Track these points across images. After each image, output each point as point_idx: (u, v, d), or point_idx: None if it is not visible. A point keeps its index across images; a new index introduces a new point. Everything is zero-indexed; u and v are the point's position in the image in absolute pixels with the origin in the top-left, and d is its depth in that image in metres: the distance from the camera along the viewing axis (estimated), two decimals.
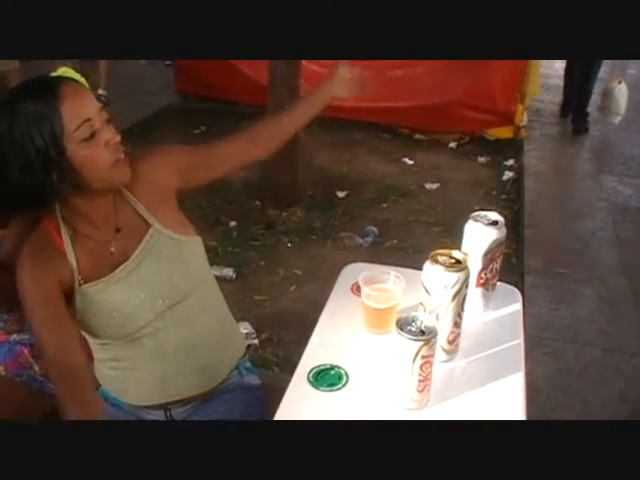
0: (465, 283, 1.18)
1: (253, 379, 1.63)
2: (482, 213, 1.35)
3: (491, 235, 1.32)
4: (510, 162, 4.79)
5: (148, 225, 1.45)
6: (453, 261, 1.19)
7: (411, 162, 4.82)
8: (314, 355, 1.26)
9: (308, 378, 1.20)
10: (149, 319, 1.45)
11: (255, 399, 1.59)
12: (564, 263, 3.57)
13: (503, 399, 1.19)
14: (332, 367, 1.23)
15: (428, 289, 1.19)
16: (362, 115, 5.12)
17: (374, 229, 3.80)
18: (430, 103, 5.01)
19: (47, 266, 1.36)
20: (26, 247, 1.36)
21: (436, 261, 1.18)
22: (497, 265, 1.37)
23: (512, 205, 4.19)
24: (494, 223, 1.33)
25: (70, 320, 1.39)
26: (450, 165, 4.78)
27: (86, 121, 1.24)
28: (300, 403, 1.16)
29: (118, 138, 1.31)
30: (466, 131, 5.10)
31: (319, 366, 1.23)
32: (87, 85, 1.34)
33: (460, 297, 1.19)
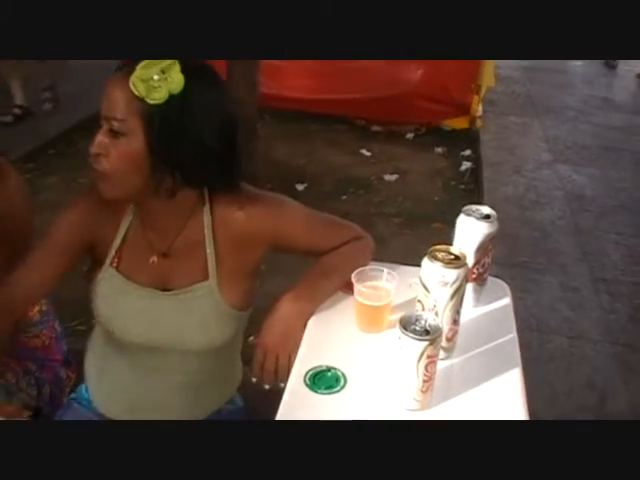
0: (464, 279, 1.16)
1: (234, 407, 1.56)
2: (474, 207, 1.33)
3: (483, 229, 1.29)
4: (467, 152, 4.83)
5: (205, 275, 1.33)
6: (452, 257, 1.15)
7: (369, 154, 4.81)
8: (308, 357, 1.22)
9: (305, 381, 1.16)
10: (133, 343, 1.38)
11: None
12: (525, 252, 3.61)
13: (503, 395, 1.17)
14: (328, 369, 1.19)
15: (427, 286, 1.16)
16: (317, 107, 5.10)
17: None
18: (385, 94, 5.02)
19: (93, 215, 1.34)
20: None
21: (435, 257, 1.15)
22: (489, 259, 1.34)
23: (471, 195, 4.22)
24: (486, 217, 1.30)
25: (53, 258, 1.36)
26: (408, 156, 4.79)
27: None
28: (299, 408, 1.11)
29: (92, 148, 1.21)
30: (422, 122, 5.13)
31: (315, 368, 1.19)
32: None
33: (460, 294, 1.16)
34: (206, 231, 1.32)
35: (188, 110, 1.18)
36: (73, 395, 1.58)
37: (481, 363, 1.24)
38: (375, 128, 5.16)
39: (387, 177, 4.46)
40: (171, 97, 1.16)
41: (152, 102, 1.16)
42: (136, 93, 1.16)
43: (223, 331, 1.37)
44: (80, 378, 1.60)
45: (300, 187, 4.23)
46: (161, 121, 1.17)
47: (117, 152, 1.20)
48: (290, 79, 5.10)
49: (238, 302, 1.36)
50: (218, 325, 1.36)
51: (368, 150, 4.85)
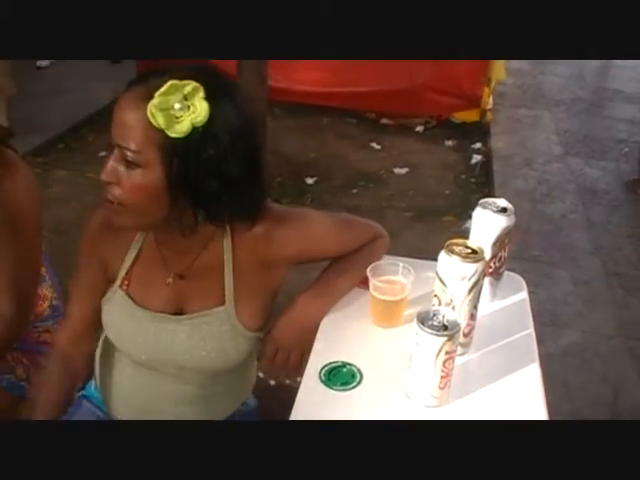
0: (482, 274, 1.14)
1: (247, 408, 1.52)
2: (490, 200, 1.31)
3: (501, 222, 1.28)
4: (477, 145, 4.79)
5: (221, 299, 1.26)
6: (469, 251, 1.13)
7: (379, 147, 4.78)
8: (323, 352, 1.20)
9: (320, 377, 1.14)
10: (147, 361, 1.33)
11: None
12: (537, 246, 3.57)
13: (521, 391, 1.16)
14: (344, 364, 1.17)
15: (444, 280, 1.14)
16: (327, 100, 5.07)
17: None
18: (396, 87, 4.97)
19: (104, 235, 1.30)
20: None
21: (452, 251, 1.13)
22: (505, 253, 1.33)
23: (481, 188, 4.18)
24: (503, 210, 1.29)
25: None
26: (418, 149, 4.76)
27: None
28: (314, 404, 1.10)
29: (103, 176, 1.12)
30: (433, 115, 5.08)
31: (330, 364, 1.17)
32: None
33: (477, 288, 1.14)
34: (225, 255, 1.25)
35: (213, 140, 1.08)
36: (83, 392, 1.56)
37: (498, 359, 1.22)
38: (385, 121, 5.12)
39: (397, 170, 4.43)
40: (194, 129, 1.06)
41: (173, 135, 1.05)
42: (155, 124, 1.04)
43: (240, 352, 1.31)
44: (91, 374, 1.59)
45: (310, 181, 4.21)
46: (183, 154, 1.07)
47: (131, 183, 1.10)
48: (300, 72, 5.07)
49: (255, 324, 1.30)
50: (234, 348, 1.30)
51: (378, 143, 4.81)
